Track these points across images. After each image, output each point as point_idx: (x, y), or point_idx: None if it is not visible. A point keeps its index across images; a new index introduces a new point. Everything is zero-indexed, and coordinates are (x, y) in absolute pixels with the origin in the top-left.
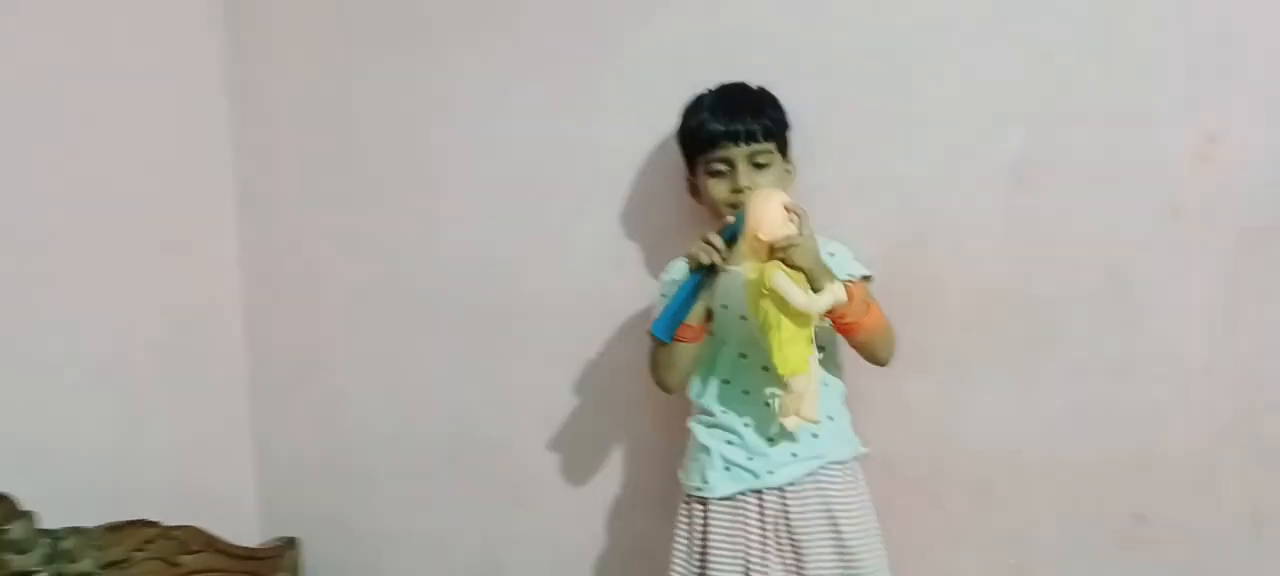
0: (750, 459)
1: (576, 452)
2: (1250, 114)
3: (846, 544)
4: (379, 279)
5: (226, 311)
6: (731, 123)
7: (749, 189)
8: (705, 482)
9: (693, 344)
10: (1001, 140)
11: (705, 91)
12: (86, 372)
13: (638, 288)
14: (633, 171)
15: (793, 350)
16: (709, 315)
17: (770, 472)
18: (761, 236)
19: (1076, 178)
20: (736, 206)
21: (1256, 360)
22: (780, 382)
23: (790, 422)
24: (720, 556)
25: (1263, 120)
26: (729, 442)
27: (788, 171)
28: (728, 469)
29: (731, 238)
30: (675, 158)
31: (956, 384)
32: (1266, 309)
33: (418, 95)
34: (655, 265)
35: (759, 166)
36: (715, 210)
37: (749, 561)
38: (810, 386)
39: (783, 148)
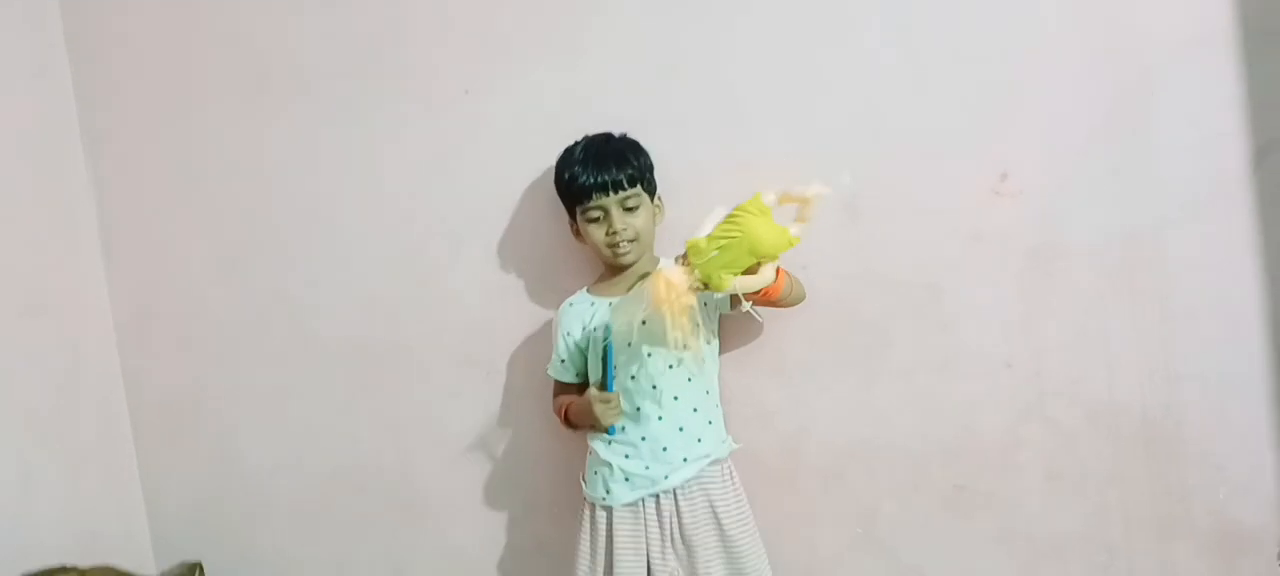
0: (648, 468)
1: (470, 470)
2: (1033, 156)
3: (728, 534)
4: (258, 321)
5: (102, 363)
6: (599, 175)
7: (622, 231)
8: (608, 493)
9: None
10: (834, 179)
11: (575, 144)
12: None
13: (520, 318)
14: (508, 210)
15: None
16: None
17: (665, 477)
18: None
19: (897, 210)
20: (615, 248)
21: (1044, 355)
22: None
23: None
24: (625, 554)
25: (1042, 161)
26: (627, 457)
27: (657, 208)
28: (628, 480)
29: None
30: (548, 197)
31: (807, 387)
32: (1049, 313)
33: (289, 143)
34: (536, 295)
35: (629, 210)
36: (598, 250)
37: (650, 557)
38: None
39: (650, 188)
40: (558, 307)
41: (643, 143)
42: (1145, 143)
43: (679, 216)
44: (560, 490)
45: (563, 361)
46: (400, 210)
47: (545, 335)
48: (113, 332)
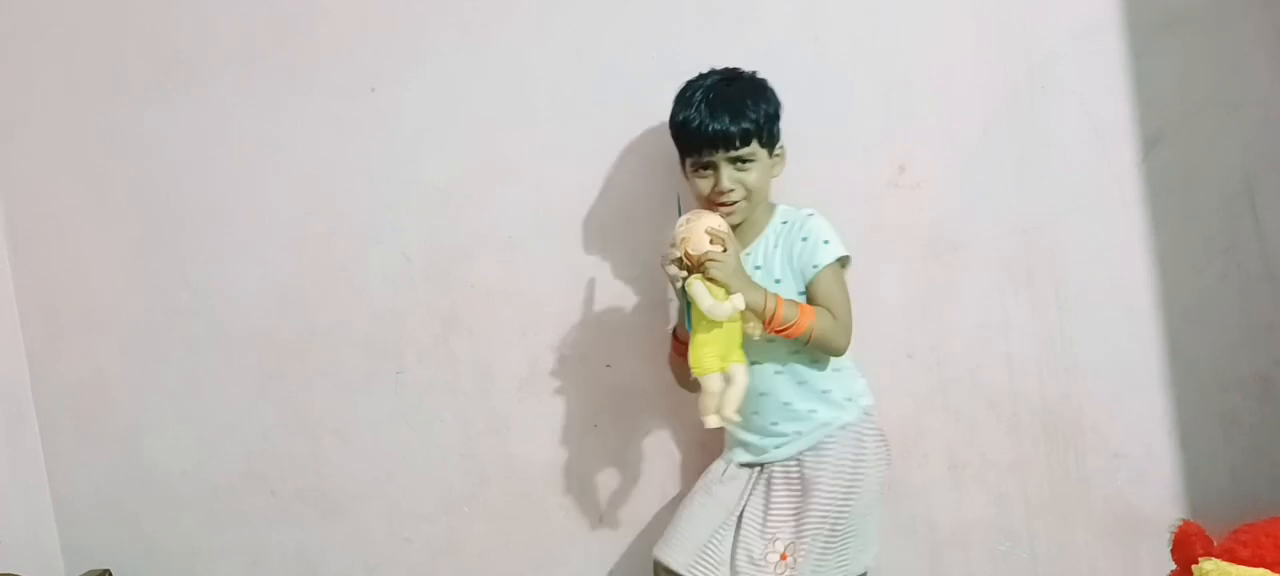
0: (759, 439)
1: (382, 466)
2: (929, 149)
3: (812, 496)
4: (166, 312)
5: (7, 354)
6: (711, 124)
7: (729, 191)
8: (732, 454)
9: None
10: None
11: (701, 77)
12: None
13: (433, 309)
14: (419, 197)
15: (705, 352)
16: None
17: (776, 448)
18: (689, 251)
19: (799, 202)
20: (716, 204)
21: (943, 344)
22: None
23: (711, 421)
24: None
25: (939, 154)
26: (743, 429)
27: (778, 158)
28: (745, 448)
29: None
30: (461, 181)
31: None
32: (949, 303)
33: (195, 132)
34: (449, 284)
35: (742, 167)
36: (700, 201)
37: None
38: (728, 388)
39: (770, 140)
40: (464, 305)
41: None
42: (1040, 134)
43: None
44: (474, 487)
45: None
46: (307, 202)
47: (457, 328)
48: (18, 326)
